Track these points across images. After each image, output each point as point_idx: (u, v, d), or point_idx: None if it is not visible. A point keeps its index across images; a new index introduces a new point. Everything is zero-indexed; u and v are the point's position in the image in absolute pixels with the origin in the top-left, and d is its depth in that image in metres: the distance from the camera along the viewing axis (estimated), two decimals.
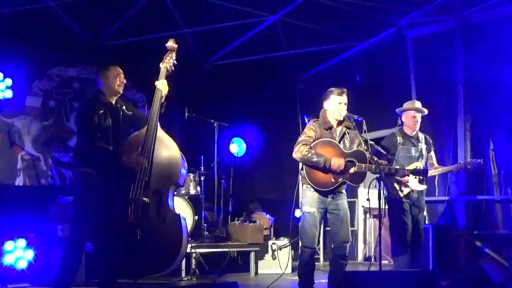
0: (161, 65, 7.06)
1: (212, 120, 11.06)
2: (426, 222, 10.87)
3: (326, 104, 7.39)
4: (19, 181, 11.00)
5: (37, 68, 11.48)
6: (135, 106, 11.45)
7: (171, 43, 7.18)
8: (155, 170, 6.70)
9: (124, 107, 6.92)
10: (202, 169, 11.11)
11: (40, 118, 11.43)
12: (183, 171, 7.02)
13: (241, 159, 12.91)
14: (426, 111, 8.80)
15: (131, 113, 7.01)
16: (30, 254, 8.26)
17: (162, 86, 6.93)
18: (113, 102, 6.82)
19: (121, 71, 6.90)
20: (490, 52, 10.65)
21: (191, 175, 10.87)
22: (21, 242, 8.26)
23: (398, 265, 8.36)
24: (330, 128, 7.32)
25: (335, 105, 7.30)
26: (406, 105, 8.78)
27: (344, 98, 7.31)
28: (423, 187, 8.42)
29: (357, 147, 7.33)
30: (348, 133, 7.37)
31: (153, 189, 6.67)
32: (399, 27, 11.87)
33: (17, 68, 10.85)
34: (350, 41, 12.68)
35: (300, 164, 7.39)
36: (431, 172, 8.72)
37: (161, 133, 6.88)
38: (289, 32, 12.07)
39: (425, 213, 9.66)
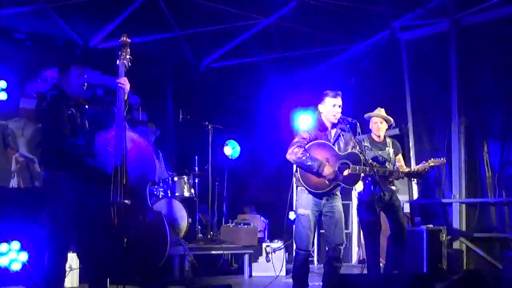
0: (118, 62, 6.86)
1: (206, 123, 11.05)
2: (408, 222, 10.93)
3: (321, 107, 7.39)
4: (13, 183, 10.97)
5: (31, 70, 11.45)
6: (130, 108, 11.45)
7: (124, 38, 7.00)
8: (131, 170, 6.59)
9: (86, 105, 6.82)
10: (196, 171, 11.09)
11: (34, 120, 11.39)
12: (157, 167, 6.99)
13: (235, 161, 12.90)
14: (391, 119, 8.84)
15: (94, 110, 6.90)
16: (24, 256, 8.25)
17: (122, 83, 6.81)
18: (78, 100, 6.71)
19: (83, 69, 6.79)
20: (484, 54, 10.68)
21: (185, 178, 10.86)
22: (15, 244, 8.25)
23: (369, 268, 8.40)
24: (325, 130, 7.32)
25: (330, 108, 7.29)
26: (370, 113, 8.82)
27: (338, 101, 7.31)
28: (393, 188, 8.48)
29: (351, 149, 7.33)
30: (342, 135, 7.37)
31: (131, 190, 6.55)
32: (393, 29, 11.90)
33: (11, 70, 10.82)
34: (344, 43, 12.70)
35: (294, 166, 7.39)
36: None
37: (129, 132, 6.76)
38: (283, 35, 12.08)
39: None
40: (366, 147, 8.37)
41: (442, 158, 8.62)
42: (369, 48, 12.62)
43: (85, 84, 6.75)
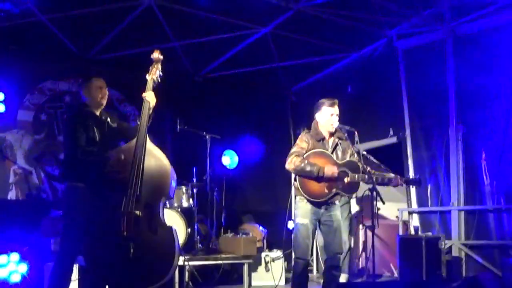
0: (148, 77, 7.02)
1: (204, 133, 11.06)
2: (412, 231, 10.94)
3: (318, 116, 7.40)
4: (11, 195, 10.97)
5: (28, 82, 11.48)
6: (127, 119, 11.48)
7: (156, 55, 7.12)
8: (146, 182, 6.65)
9: (108, 118, 6.90)
10: (195, 181, 11.09)
11: (32, 132, 11.41)
12: (173, 183, 7.00)
13: (234, 171, 12.91)
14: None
15: (116, 124, 6.99)
16: (23, 268, 8.25)
17: (150, 97, 6.89)
18: (98, 114, 6.81)
19: (104, 83, 6.89)
20: (481, 62, 10.69)
21: (184, 188, 10.86)
22: (15, 256, 8.25)
23: None
24: (323, 139, 7.33)
25: (327, 117, 7.31)
26: None
27: (335, 109, 7.33)
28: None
29: (349, 157, 7.34)
30: (340, 144, 7.39)
31: (144, 202, 6.61)
32: (389, 38, 11.91)
33: (8, 82, 10.85)
34: (341, 52, 12.71)
35: (293, 176, 7.39)
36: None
37: (150, 145, 6.82)
38: (280, 44, 12.10)
39: None
40: None
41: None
42: (365, 57, 12.62)
43: (106, 96, 6.83)
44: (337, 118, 7.35)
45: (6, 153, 10.96)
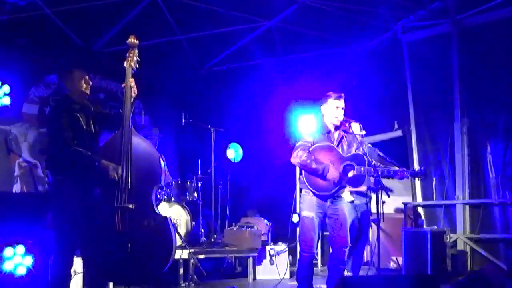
0: (126, 64, 6.84)
1: (209, 126, 11.04)
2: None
3: (324, 108, 7.38)
4: (16, 188, 10.98)
5: (33, 75, 11.48)
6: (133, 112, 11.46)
7: (131, 40, 6.94)
8: (136, 174, 6.54)
9: (92, 108, 6.82)
10: (199, 174, 11.09)
11: (37, 125, 11.41)
12: (163, 171, 6.96)
13: (238, 164, 12.91)
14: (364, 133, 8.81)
15: (100, 113, 6.89)
16: (29, 260, 8.25)
17: (130, 85, 6.81)
18: (82, 104, 6.72)
19: (86, 72, 6.79)
20: (487, 55, 10.68)
21: (188, 181, 10.85)
22: (20, 249, 8.25)
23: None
24: (328, 132, 7.31)
25: (332, 109, 7.29)
26: None
27: (341, 103, 7.30)
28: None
29: (355, 151, 7.32)
30: (345, 137, 7.37)
31: (136, 194, 6.53)
32: (394, 31, 11.90)
33: (14, 75, 10.84)
34: (346, 45, 12.69)
35: (298, 169, 7.38)
36: None
37: (135, 136, 6.70)
38: (285, 37, 12.09)
39: None
40: None
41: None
42: (370, 50, 12.60)
43: (89, 86, 6.75)
44: (342, 111, 7.33)
45: (11, 146, 10.97)
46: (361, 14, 11.04)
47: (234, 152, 12.87)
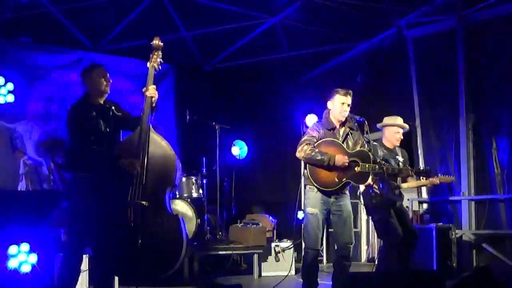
0: (149, 64, 6.92)
1: (214, 123, 11.02)
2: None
3: (330, 104, 7.38)
4: (22, 186, 10.97)
5: (38, 72, 11.47)
6: (136, 110, 11.45)
7: (156, 41, 7.03)
8: (151, 172, 6.62)
9: (113, 107, 6.85)
10: (204, 171, 11.09)
11: (42, 123, 11.41)
12: (178, 172, 6.98)
13: (243, 161, 12.91)
14: (407, 126, 8.82)
15: (121, 114, 6.93)
16: (33, 258, 8.26)
17: (151, 93, 6.81)
18: (102, 103, 6.76)
19: (105, 71, 6.83)
20: (492, 51, 10.66)
21: (193, 178, 10.86)
22: (25, 247, 8.26)
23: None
24: (333, 128, 7.31)
25: (338, 105, 7.28)
26: (389, 119, 8.73)
27: (348, 99, 7.29)
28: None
29: (360, 147, 7.31)
30: (351, 133, 7.36)
31: (150, 192, 6.59)
32: (399, 27, 11.87)
33: (18, 73, 10.84)
34: (351, 42, 12.68)
35: (303, 164, 7.38)
36: (407, 185, 8.74)
37: (154, 135, 6.79)
38: (290, 34, 12.08)
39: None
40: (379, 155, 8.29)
41: (451, 176, 8.71)
42: (375, 46, 12.59)
43: (109, 84, 6.78)
44: (348, 108, 7.32)
45: (16, 144, 10.95)
46: (365, 10, 11.01)
47: (239, 149, 12.87)
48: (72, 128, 6.58)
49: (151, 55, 6.97)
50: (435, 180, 8.71)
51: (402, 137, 8.72)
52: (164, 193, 6.77)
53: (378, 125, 8.72)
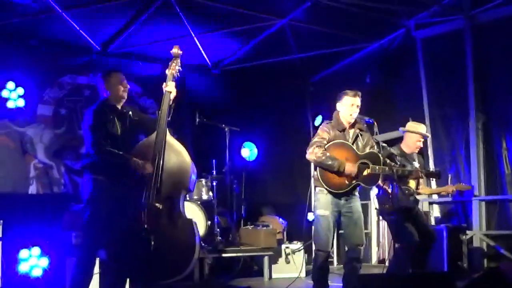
0: (167, 72, 7.06)
1: (223, 125, 11.03)
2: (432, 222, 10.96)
3: (339, 105, 7.38)
4: (32, 190, 11.02)
5: (48, 76, 11.49)
6: (146, 112, 11.46)
7: (176, 50, 7.18)
8: (167, 175, 6.69)
9: (130, 112, 6.91)
10: (214, 173, 11.10)
11: (52, 127, 11.43)
12: (193, 176, 7.03)
13: (253, 163, 12.93)
14: (429, 135, 8.80)
15: (137, 118, 7.00)
16: (44, 262, 8.29)
17: (170, 89, 6.92)
18: (119, 108, 6.83)
19: (123, 76, 6.90)
20: (501, 50, 10.64)
21: (203, 180, 10.87)
22: (36, 250, 8.29)
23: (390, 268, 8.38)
24: (343, 130, 7.30)
25: (347, 107, 7.28)
26: (412, 127, 8.67)
27: (357, 100, 7.29)
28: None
29: (370, 149, 7.31)
30: (361, 135, 7.36)
31: (165, 194, 6.67)
32: (408, 28, 11.87)
33: (28, 77, 10.88)
34: (359, 43, 12.67)
35: (313, 167, 7.38)
36: (422, 191, 8.71)
37: (170, 139, 6.88)
38: (298, 35, 12.06)
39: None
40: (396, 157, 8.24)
41: (469, 185, 8.69)
42: (384, 47, 12.58)
43: (127, 89, 6.85)
44: (358, 109, 7.32)
45: (26, 148, 11.01)
46: (374, 11, 11.00)
47: (249, 151, 12.89)
48: (89, 132, 6.63)
49: (170, 63, 7.11)
50: (449, 189, 8.66)
51: (420, 146, 8.68)
52: (178, 197, 6.84)
53: (401, 129, 8.66)
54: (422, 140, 8.62)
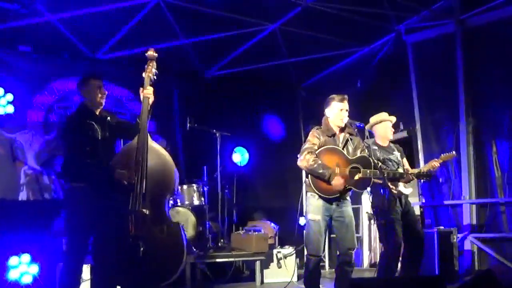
0: (144, 75, 6.98)
1: (214, 130, 11.03)
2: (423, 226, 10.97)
3: (328, 111, 7.39)
4: (22, 196, 10.98)
5: (37, 82, 11.46)
6: (136, 118, 11.46)
7: (151, 52, 7.12)
8: (151, 180, 6.65)
9: (108, 117, 6.88)
10: (206, 179, 11.10)
11: (42, 133, 11.40)
12: (177, 179, 7.03)
13: (244, 168, 12.92)
14: (395, 118, 8.80)
15: (116, 123, 6.96)
16: (34, 269, 8.25)
17: (149, 94, 6.88)
18: (97, 113, 6.79)
19: (101, 82, 6.87)
20: (491, 55, 10.67)
21: (195, 186, 10.87)
22: (26, 257, 8.25)
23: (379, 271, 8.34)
24: (333, 135, 7.31)
25: (337, 112, 7.30)
26: (374, 119, 8.67)
27: (345, 105, 7.31)
28: (409, 190, 8.39)
29: (360, 153, 7.32)
30: (351, 139, 7.37)
31: (150, 200, 6.62)
32: (398, 32, 11.90)
33: (18, 83, 10.85)
34: (350, 47, 12.70)
35: (304, 172, 7.38)
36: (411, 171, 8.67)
37: (151, 143, 6.86)
38: (289, 40, 12.09)
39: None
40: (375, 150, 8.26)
41: (452, 152, 8.61)
42: (374, 52, 12.61)
43: (104, 95, 6.82)
44: (347, 113, 7.33)
45: (16, 154, 10.97)
46: (364, 16, 11.03)
47: (240, 156, 12.88)
48: (69, 137, 6.61)
49: (146, 66, 7.05)
50: (435, 163, 8.53)
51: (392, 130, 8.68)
52: (164, 201, 6.83)
53: (367, 127, 8.62)
54: (391, 126, 8.62)
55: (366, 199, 12.11)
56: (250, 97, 13.54)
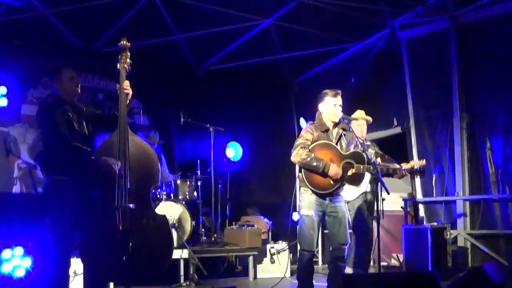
0: (119, 66, 6.85)
1: (208, 125, 11.03)
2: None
3: (321, 106, 7.37)
4: (16, 190, 10.97)
5: (32, 76, 11.41)
6: (131, 112, 11.42)
7: (123, 42, 6.99)
8: (134, 173, 6.57)
9: (84, 108, 6.78)
10: (199, 174, 11.09)
11: (36, 127, 11.35)
12: (159, 167, 7.00)
13: (238, 163, 12.91)
14: (371, 119, 8.87)
15: (91, 112, 6.86)
16: (27, 262, 8.22)
17: (126, 88, 6.76)
18: (72, 104, 6.67)
19: (75, 72, 6.76)
20: (485, 51, 10.68)
21: (188, 180, 10.85)
22: (19, 250, 8.22)
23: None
24: (327, 130, 7.30)
25: (330, 107, 7.28)
26: (353, 115, 8.69)
27: (338, 100, 7.30)
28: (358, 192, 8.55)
29: (354, 148, 7.32)
30: (344, 135, 7.36)
31: (136, 193, 6.56)
32: (392, 28, 11.90)
33: (11, 77, 10.80)
34: (344, 43, 12.70)
35: (298, 167, 7.37)
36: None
37: (131, 135, 6.76)
38: (283, 36, 12.08)
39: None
40: None
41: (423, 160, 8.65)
42: (368, 47, 12.61)
43: (79, 87, 6.71)
44: (340, 108, 7.32)
45: (10, 148, 10.95)
46: (358, 11, 11.02)
47: (233, 151, 12.87)
48: (49, 124, 6.46)
49: (119, 56, 6.91)
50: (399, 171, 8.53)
51: (365, 129, 8.83)
52: (149, 193, 6.82)
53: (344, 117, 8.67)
54: (363, 124, 8.77)
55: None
56: (243, 92, 13.52)
